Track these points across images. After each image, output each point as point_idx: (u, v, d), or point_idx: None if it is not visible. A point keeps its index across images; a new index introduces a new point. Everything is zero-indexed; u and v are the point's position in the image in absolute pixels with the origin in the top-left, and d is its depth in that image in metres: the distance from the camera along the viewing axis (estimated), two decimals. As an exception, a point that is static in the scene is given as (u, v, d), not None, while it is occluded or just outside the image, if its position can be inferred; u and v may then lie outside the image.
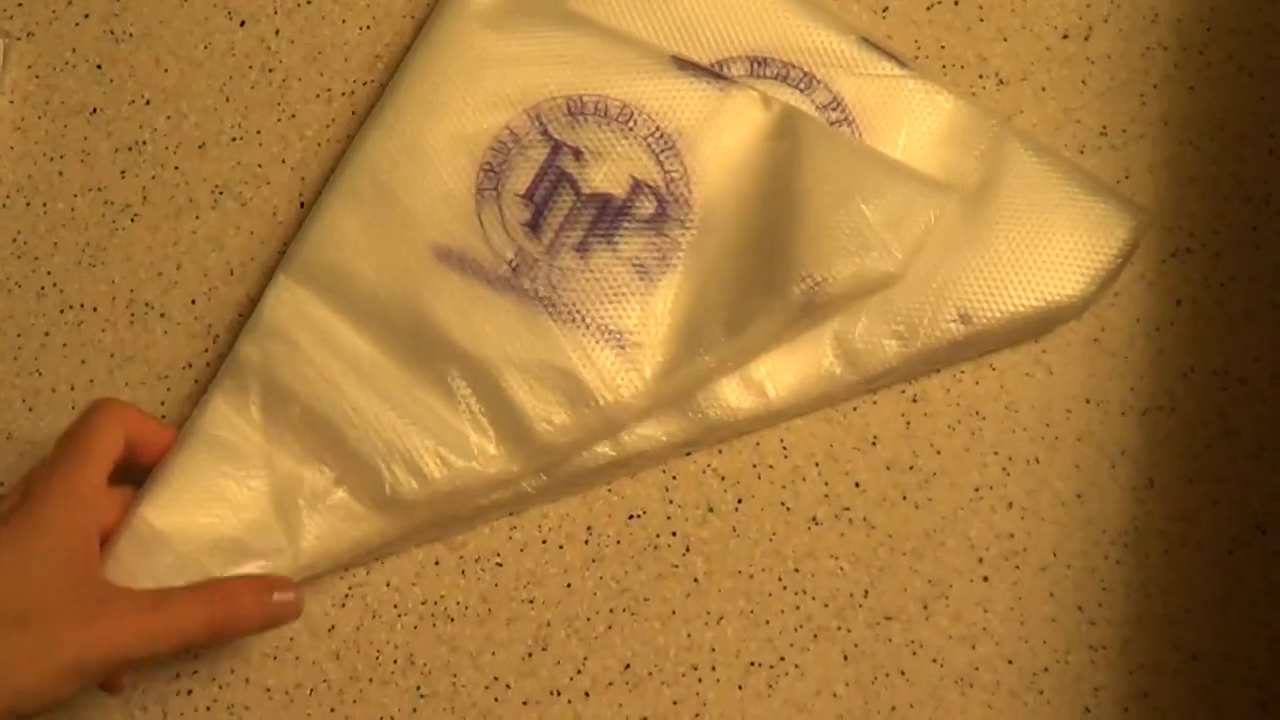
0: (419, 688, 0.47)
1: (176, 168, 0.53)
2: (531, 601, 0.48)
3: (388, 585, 0.48)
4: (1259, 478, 0.47)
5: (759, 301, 0.45)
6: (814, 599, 0.47)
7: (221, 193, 0.52)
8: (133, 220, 0.52)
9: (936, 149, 0.49)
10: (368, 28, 0.54)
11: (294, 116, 0.53)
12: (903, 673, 0.46)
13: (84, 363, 0.51)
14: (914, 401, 0.49)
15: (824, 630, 0.47)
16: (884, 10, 0.52)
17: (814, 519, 0.48)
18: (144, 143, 0.53)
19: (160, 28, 0.54)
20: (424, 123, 0.48)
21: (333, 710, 0.47)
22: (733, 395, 0.47)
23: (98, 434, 0.43)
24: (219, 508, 0.45)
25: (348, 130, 0.52)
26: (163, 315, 0.51)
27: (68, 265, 0.52)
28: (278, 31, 0.54)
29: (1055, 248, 0.47)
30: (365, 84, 0.53)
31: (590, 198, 0.47)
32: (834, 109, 0.49)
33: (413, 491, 0.45)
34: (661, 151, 0.47)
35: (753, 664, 0.47)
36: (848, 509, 0.48)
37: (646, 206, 0.47)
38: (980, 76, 0.51)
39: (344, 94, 0.53)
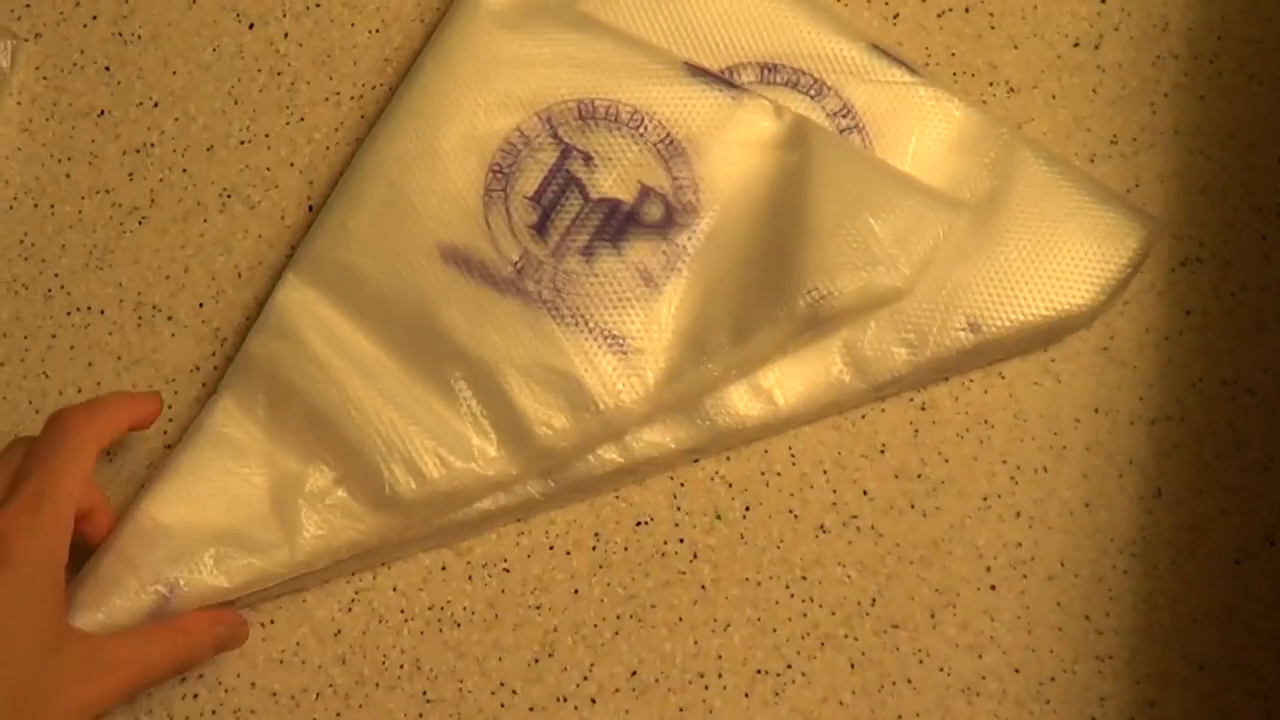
0: (425, 693, 0.47)
1: (184, 170, 0.53)
2: (538, 607, 0.48)
3: (394, 590, 0.48)
4: (1267, 488, 0.47)
5: (764, 311, 0.45)
6: (821, 607, 0.47)
7: (230, 196, 0.52)
8: (140, 223, 0.52)
9: (946, 157, 0.49)
10: (377, 31, 0.54)
11: (302, 120, 0.53)
12: (909, 681, 0.46)
13: (91, 365, 0.51)
14: (922, 410, 0.48)
15: (831, 638, 0.47)
16: (895, 17, 0.52)
17: (822, 527, 0.48)
18: (152, 145, 0.53)
19: (168, 30, 0.54)
20: (436, 123, 0.48)
21: (338, 715, 0.47)
22: (741, 402, 0.47)
23: (69, 483, 0.42)
24: (220, 503, 0.46)
25: (356, 134, 0.52)
26: (170, 318, 0.51)
27: (75, 267, 0.52)
28: (286, 34, 0.54)
29: (1065, 256, 0.47)
30: (374, 88, 0.53)
31: (598, 202, 0.47)
32: (844, 116, 0.49)
33: (411, 491, 0.45)
34: (671, 158, 0.47)
35: (759, 671, 0.47)
36: (855, 517, 0.48)
37: (654, 212, 0.47)
38: (991, 84, 0.51)
39: (353, 97, 0.53)
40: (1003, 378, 0.48)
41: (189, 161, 0.53)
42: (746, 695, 0.47)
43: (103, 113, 0.54)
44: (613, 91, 0.48)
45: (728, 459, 0.49)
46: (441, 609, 0.48)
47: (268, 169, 0.52)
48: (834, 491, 0.48)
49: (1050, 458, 0.48)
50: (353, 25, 0.54)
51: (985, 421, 0.48)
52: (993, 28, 0.52)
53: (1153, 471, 0.47)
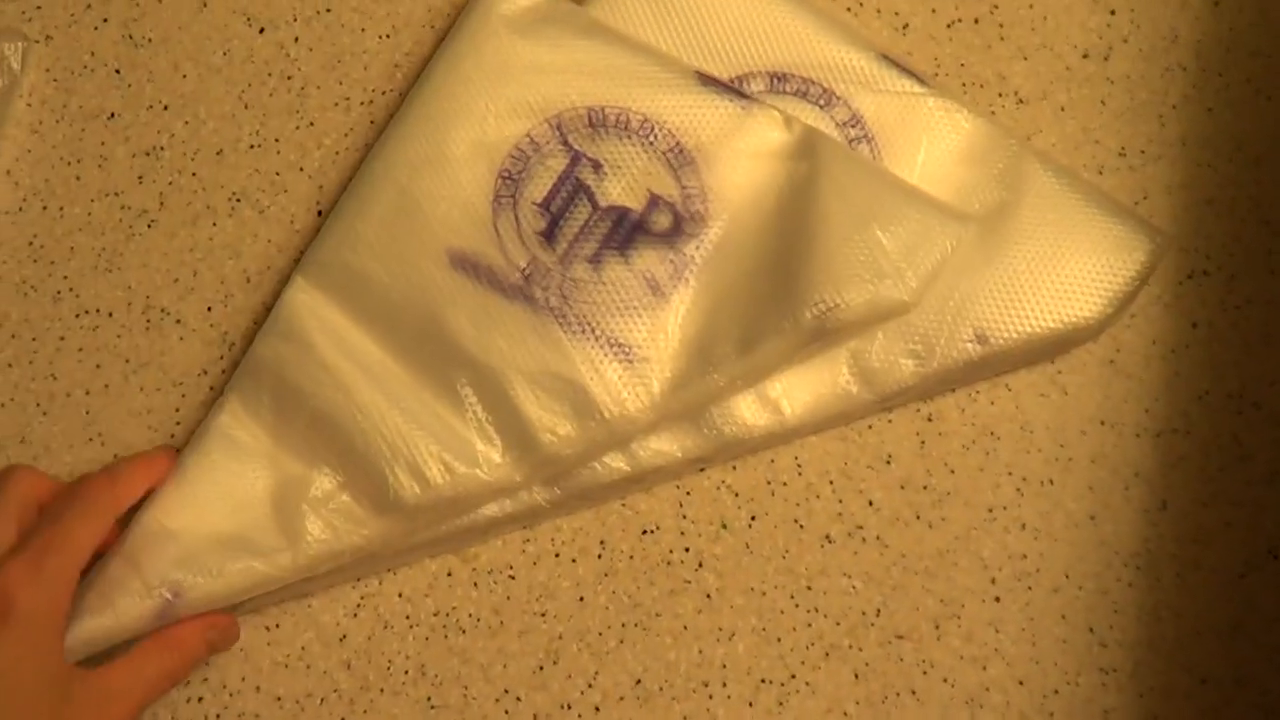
0: (430, 699, 0.47)
1: (194, 174, 0.53)
2: (543, 615, 0.48)
3: (400, 596, 0.48)
4: (1272, 502, 0.47)
5: (771, 323, 0.45)
6: (826, 617, 0.47)
7: (239, 200, 0.52)
8: (150, 226, 0.52)
9: (955, 167, 0.49)
10: (387, 36, 0.54)
11: (312, 124, 0.53)
12: (913, 692, 0.46)
13: (99, 368, 0.51)
14: (929, 421, 0.49)
15: (835, 648, 0.47)
16: (904, 27, 0.52)
17: (827, 537, 0.48)
18: (162, 148, 0.53)
19: (179, 33, 0.54)
20: (446, 128, 0.48)
21: (343, 720, 0.47)
22: (748, 412, 0.47)
23: (80, 540, 0.43)
24: (225, 507, 0.46)
25: (366, 139, 0.52)
26: (179, 322, 0.51)
27: (84, 270, 0.52)
28: (297, 39, 0.54)
29: (1073, 269, 0.47)
30: (384, 93, 0.53)
31: (607, 210, 0.47)
32: (853, 126, 0.49)
33: (415, 496, 0.45)
34: (680, 167, 0.47)
35: (763, 681, 0.47)
36: (861, 527, 0.48)
37: (662, 221, 0.47)
38: (1000, 95, 0.51)
39: (362, 103, 0.53)
40: (1009, 389, 0.49)
41: (198, 165, 0.53)
42: (750, 704, 0.47)
43: (112, 115, 0.54)
44: (623, 99, 0.48)
45: (734, 468, 0.49)
46: (447, 615, 0.48)
47: (277, 173, 0.52)
48: (840, 502, 0.48)
49: (1056, 470, 0.48)
50: (363, 30, 0.54)
51: (991, 433, 0.48)
52: (1002, 39, 0.52)
53: (1158, 484, 0.47)
